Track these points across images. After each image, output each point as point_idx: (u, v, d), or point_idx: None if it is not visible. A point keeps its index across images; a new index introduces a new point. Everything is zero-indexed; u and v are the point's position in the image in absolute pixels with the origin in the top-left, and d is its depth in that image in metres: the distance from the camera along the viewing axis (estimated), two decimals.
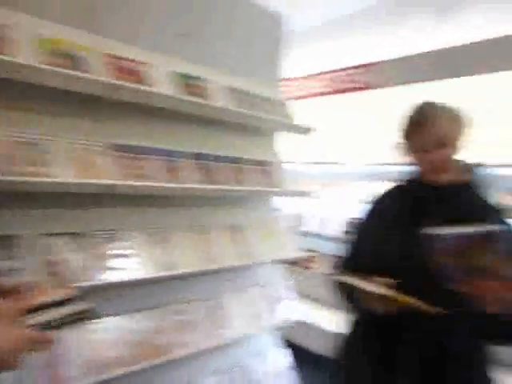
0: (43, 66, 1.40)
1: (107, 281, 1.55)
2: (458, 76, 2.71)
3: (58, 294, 0.74)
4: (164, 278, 1.74)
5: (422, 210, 1.23)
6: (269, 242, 2.21)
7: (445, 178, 1.24)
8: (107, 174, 1.60)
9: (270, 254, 2.16)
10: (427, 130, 1.20)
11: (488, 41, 2.66)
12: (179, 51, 1.96)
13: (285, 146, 2.53)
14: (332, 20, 4.20)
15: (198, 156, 1.95)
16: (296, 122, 2.35)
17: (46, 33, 1.52)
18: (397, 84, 3.00)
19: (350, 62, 3.29)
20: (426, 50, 2.91)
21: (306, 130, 2.37)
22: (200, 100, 1.86)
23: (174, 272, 1.74)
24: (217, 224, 2.07)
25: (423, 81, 2.85)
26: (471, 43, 2.76)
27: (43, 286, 1.07)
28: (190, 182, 1.85)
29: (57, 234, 1.55)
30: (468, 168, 1.27)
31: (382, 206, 1.38)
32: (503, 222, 1.19)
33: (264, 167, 2.24)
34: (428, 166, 1.25)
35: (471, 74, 2.66)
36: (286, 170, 2.34)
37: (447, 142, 1.19)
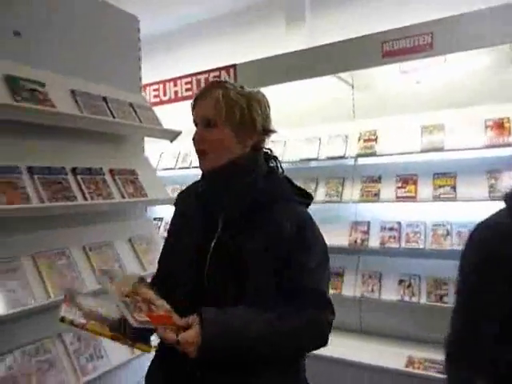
0: None
1: None
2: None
3: None
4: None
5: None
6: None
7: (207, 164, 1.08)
8: None
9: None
10: (197, 104, 1.08)
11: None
12: (11, 52, 1.69)
13: (156, 152, 2.39)
14: (188, 25, 4.22)
15: (50, 170, 1.71)
16: (163, 126, 2.24)
17: None
18: (251, 86, 3.10)
19: (210, 66, 3.32)
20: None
21: (175, 135, 2.27)
22: (39, 107, 1.62)
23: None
24: (76, 244, 1.83)
25: (276, 83, 2.99)
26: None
27: None
28: (36, 201, 1.59)
29: None
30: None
31: (181, 208, 1.22)
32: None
33: (133, 176, 2.07)
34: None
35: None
36: (158, 177, 2.20)
37: (213, 121, 1.04)
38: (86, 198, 1.77)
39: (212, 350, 0.90)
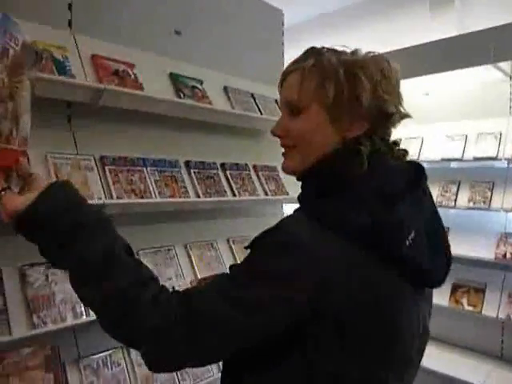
0: None
1: None
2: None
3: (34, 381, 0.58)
4: None
5: None
6: None
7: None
8: (99, 190, 1.41)
9: None
10: (282, 84, 0.79)
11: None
12: (172, 51, 1.77)
13: None
14: (326, 14, 4.10)
15: (199, 165, 1.77)
16: None
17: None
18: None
19: None
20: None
21: None
22: (199, 103, 1.67)
23: None
24: (222, 236, 1.89)
25: (421, 75, 2.73)
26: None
27: None
28: (192, 195, 1.66)
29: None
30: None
31: None
32: None
33: (272, 173, 2.06)
34: None
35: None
36: None
37: (297, 105, 0.74)
38: (234, 194, 1.80)
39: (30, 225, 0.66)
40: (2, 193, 0.69)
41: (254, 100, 1.98)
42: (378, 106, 0.71)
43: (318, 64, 0.72)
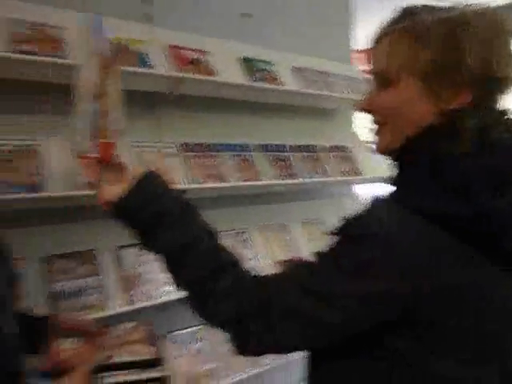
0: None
1: None
2: None
3: (140, 354, 0.65)
4: None
5: None
6: None
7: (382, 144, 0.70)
8: (181, 176, 1.47)
9: None
10: (372, 52, 0.69)
11: None
12: (241, 34, 1.78)
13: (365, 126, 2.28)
14: None
15: (274, 148, 1.78)
16: None
17: None
18: None
19: None
20: None
21: None
22: (272, 86, 1.67)
23: None
24: (296, 219, 1.90)
25: None
26: None
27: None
28: (268, 178, 1.68)
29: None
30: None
31: None
32: None
33: (344, 153, 2.02)
34: None
35: None
36: (369, 153, 2.09)
37: (388, 76, 0.65)
38: (306, 176, 1.79)
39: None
40: (101, 183, 0.75)
41: (326, 78, 1.93)
42: (485, 70, 0.59)
43: (410, 25, 0.62)
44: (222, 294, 0.65)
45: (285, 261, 1.68)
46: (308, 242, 1.86)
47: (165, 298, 1.42)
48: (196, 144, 1.57)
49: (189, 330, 1.55)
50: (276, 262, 1.69)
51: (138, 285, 1.41)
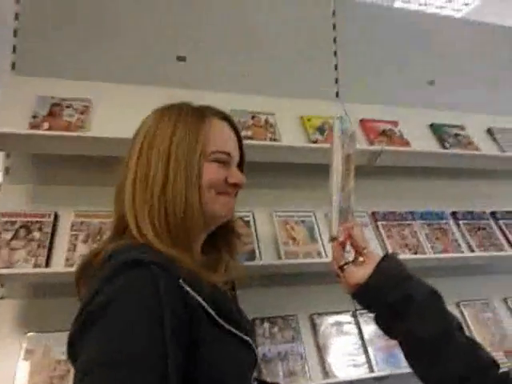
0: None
1: None
2: None
3: None
4: None
5: None
6: None
7: None
8: (375, 246, 1.46)
9: None
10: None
11: None
12: (428, 100, 1.77)
13: None
14: None
15: (467, 215, 1.65)
16: None
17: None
18: None
19: None
20: None
21: None
22: (466, 151, 1.59)
23: None
24: (497, 294, 1.67)
25: None
26: None
27: None
28: (465, 248, 1.54)
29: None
30: None
31: None
32: None
33: None
34: None
35: None
36: None
37: None
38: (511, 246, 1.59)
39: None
40: (345, 267, 0.79)
41: None
42: None
43: None
44: None
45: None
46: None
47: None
48: (387, 213, 1.56)
49: None
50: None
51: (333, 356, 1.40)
